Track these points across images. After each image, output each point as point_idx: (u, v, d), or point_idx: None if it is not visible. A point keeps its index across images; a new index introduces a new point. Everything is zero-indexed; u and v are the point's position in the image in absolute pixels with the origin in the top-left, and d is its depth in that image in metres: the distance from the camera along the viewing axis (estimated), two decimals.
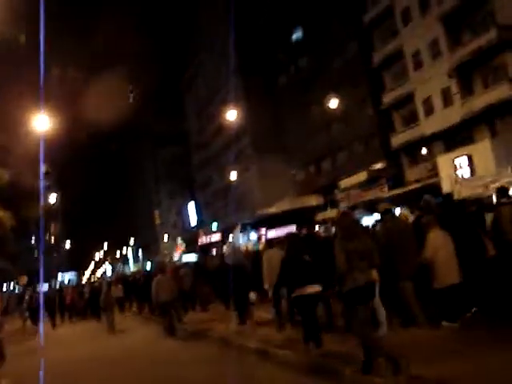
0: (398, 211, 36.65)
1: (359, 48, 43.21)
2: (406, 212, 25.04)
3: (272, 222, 50.45)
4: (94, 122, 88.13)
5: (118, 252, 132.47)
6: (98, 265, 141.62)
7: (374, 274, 7.17)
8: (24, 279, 51.53)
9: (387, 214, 11.09)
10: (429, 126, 37.15)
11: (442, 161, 32.74)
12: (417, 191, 36.38)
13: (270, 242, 14.99)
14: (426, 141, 37.83)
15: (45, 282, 70.23)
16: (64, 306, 31.17)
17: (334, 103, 47.68)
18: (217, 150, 77.11)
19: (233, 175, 64.69)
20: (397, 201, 37.73)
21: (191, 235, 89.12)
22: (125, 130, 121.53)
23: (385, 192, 40.18)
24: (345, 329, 9.56)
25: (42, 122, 26.60)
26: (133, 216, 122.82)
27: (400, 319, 9.74)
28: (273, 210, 53.64)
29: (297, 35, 53.32)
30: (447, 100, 35.64)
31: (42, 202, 33.92)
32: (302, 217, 51.46)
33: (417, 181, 37.05)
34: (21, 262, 53.90)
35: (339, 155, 48.57)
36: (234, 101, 67.60)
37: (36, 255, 65.16)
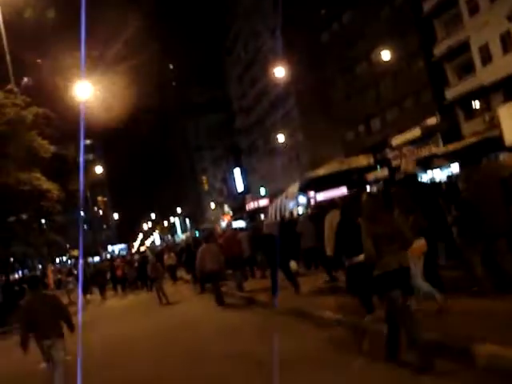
0: (454, 167, 35.13)
1: None
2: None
3: (321, 184, 49.01)
4: (135, 95, 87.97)
5: (166, 222, 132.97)
6: (147, 235, 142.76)
7: (407, 257, 6.60)
8: (76, 252, 51.79)
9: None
10: (487, 75, 34.81)
11: (504, 111, 30.58)
12: (475, 145, 34.51)
13: (333, 203, 13.56)
14: (484, 91, 35.55)
15: (95, 254, 70.84)
16: (115, 277, 31.04)
17: (381, 57, 45.84)
18: (260, 114, 75.53)
19: (279, 138, 63.37)
20: (453, 156, 35.95)
21: (238, 202, 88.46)
22: (166, 101, 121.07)
23: (440, 148, 38.25)
24: None
25: (83, 90, 26.00)
26: (178, 185, 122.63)
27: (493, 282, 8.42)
28: (321, 172, 52.16)
29: None
30: (507, 46, 33.23)
31: (81, 170, 33.27)
32: (353, 178, 50.14)
33: (475, 134, 34.95)
34: (71, 235, 54.01)
35: (389, 112, 46.53)
36: (276, 61, 66.00)
37: (86, 228, 65.55)
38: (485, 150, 34.57)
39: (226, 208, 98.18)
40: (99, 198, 61.65)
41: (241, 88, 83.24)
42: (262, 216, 58.70)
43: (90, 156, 65.52)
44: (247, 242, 18.38)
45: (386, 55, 43.93)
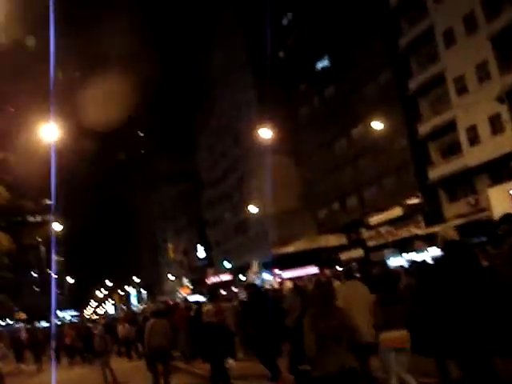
0: (432, 251, 33.39)
1: (394, 74, 40.06)
2: None
3: (289, 262, 46.99)
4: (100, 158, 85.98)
5: (121, 291, 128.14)
6: (100, 303, 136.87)
7: (351, 358, 6.05)
8: (22, 315, 47.95)
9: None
10: (473, 156, 33.70)
11: (494, 193, 29.34)
12: (461, 228, 32.95)
13: (349, 271, 11.33)
14: (469, 173, 34.36)
15: (43, 319, 66.40)
16: (61, 346, 27.83)
17: (362, 134, 44.88)
18: (230, 186, 73.76)
19: (251, 209, 61.36)
20: (434, 239, 34.31)
21: (198, 275, 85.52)
22: (132, 167, 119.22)
23: (422, 229, 36.60)
24: None
25: (51, 133, 23.62)
26: (137, 253, 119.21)
27: None
28: (290, 249, 50.20)
29: (322, 63, 50.45)
30: (496, 127, 32.31)
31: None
32: (323, 257, 48.12)
33: (458, 217, 33.46)
34: (21, 296, 50.30)
35: (367, 191, 45.06)
36: (250, 133, 64.90)
37: (36, 289, 61.52)
38: (470, 233, 33.14)
39: (185, 281, 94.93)
40: (55, 258, 58.50)
41: (211, 159, 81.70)
42: (222, 291, 56.03)
43: (49, 216, 62.05)
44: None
45: (367, 132, 43.11)
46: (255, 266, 24.94)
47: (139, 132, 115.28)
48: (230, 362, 11.61)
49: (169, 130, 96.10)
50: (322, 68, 50.53)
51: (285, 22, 57.66)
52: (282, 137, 54.71)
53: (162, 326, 13.49)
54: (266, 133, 48.78)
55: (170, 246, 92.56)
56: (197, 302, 22.71)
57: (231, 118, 70.47)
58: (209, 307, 13.50)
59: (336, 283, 10.11)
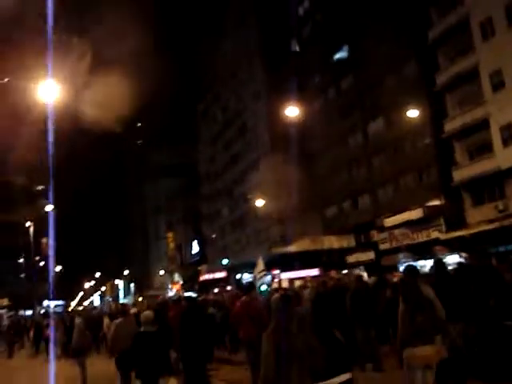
0: (453, 258, 30.84)
1: (420, 67, 37.41)
2: None
3: (289, 262, 44.40)
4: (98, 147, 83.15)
5: (109, 284, 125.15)
6: (87, 295, 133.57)
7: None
8: (5, 301, 45.35)
9: None
10: (506, 158, 31.12)
11: None
12: (487, 234, 30.48)
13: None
14: (500, 176, 31.79)
15: (29, 308, 63.50)
16: (40, 336, 26.60)
17: (379, 130, 42.40)
18: (230, 180, 71.04)
19: (250, 207, 58.66)
20: (455, 245, 31.82)
21: (191, 271, 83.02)
22: (130, 158, 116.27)
23: (442, 233, 34.03)
24: None
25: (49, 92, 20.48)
26: (129, 247, 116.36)
27: None
28: (292, 248, 47.59)
29: (340, 54, 47.78)
30: None
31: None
32: (327, 259, 45.58)
33: (489, 221, 30.90)
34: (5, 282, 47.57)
35: (382, 190, 42.40)
36: (256, 126, 62.28)
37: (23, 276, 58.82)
38: (496, 241, 30.67)
39: (177, 277, 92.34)
40: (44, 241, 55.41)
41: (212, 151, 78.88)
42: (216, 290, 53.40)
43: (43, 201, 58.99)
44: None
45: (386, 127, 40.62)
46: (261, 264, 21.74)
47: (138, 123, 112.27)
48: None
49: (169, 121, 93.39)
50: (340, 59, 47.82)
51: (301, 11, 55.00)
52: (289, 132, 52.27)
53: (131, 326, 11.47)
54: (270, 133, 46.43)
55: (169, 234, 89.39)
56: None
57: (237, 110, 67.83)
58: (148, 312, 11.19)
59: None
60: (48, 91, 17.87)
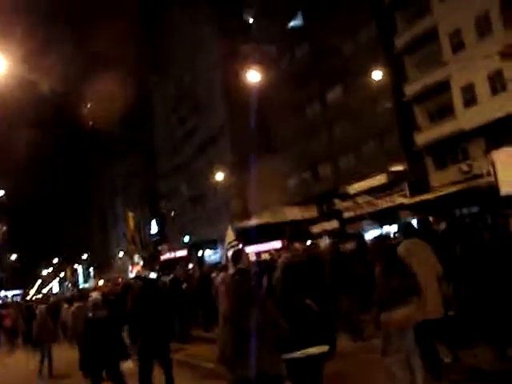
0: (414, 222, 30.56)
1: (378, 31, 36.77)
2: None
3: (252, 236, 43.65)
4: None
5: (68, 269, 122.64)
6: (46, 282, 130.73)
7: (276, 360, 5.18)
8: None
9: None
10: (468, 119, 30.82)
11: (501, 156, 26.43)
12: (452, 196, 30.27)
13: (409, 227, 8.86)
14: (463, 137, 31.52)
15: None
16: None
17: (338, 97, 41.83)
18: (187, 156, 69.64)
19: (209, 182, 57.67)
20: (420, 209, 31.51)
21: (151, 252, 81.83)
22: (83, 139, 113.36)
23: (407, 198, 33.71)
24: None
25: None
26: (86, 230, 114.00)
27: None
28: (253, 222, 46.84)
29: (295, 22, 46.76)
30: (496, 86, 29.47)
31: None
32: (291, 230, 44.99)
33: (454, 183, 30.68)
34: None
35: (344, 158, 41.88)
36: (211, 99, 60.94)
37: None
38: (461, 203, 30.53)
39: (137, 258, 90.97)
40: None
41: (167, 127, 77.09)
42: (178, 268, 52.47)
43: None
44: None
45: (345, 95, 40.06)
46: (231, 234, 19.61)
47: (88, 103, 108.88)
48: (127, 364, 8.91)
49: (122, 98, 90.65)
50: (294, 27, 46.83)
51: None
52: (245, 101, 51.14)
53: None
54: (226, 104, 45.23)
55: (130, 214, 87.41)
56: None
57: (191, 83, 66.23)
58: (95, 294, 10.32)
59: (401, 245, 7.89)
60: None
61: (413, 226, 9.16)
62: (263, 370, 4.98)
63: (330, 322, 9.72)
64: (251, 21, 56.79)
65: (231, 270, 11.39)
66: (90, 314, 8.85)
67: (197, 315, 17.33)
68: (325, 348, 5.79)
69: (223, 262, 16.04)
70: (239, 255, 10.16)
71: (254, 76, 28.17)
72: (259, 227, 43.94)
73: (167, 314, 9.55)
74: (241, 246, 18.14)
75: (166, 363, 8.78)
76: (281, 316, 5.27)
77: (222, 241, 55.80)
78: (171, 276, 18.27)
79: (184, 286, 16.76)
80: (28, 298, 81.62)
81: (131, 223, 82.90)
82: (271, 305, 5.43)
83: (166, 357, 8.83)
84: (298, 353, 5.61)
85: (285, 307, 5.66)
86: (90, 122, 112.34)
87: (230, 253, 15.86)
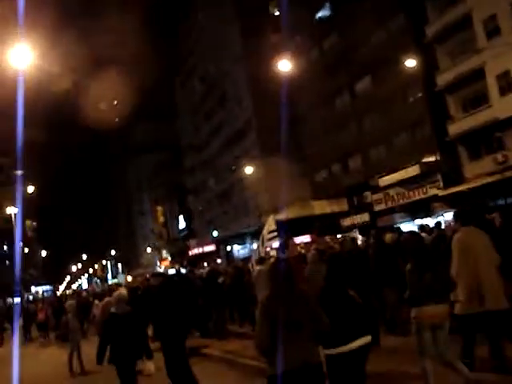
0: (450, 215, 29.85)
1: (408, 20, 35.97)
2: None
3: (281, 230, 43.13)
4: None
5: (97, 265, 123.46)
6: (75, 278, 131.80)
7: (316, 350, 5.01)
8: None
9: None
10: (504, 107, 29.94)
11: None
12: (486, 187, 29.57)
13: (467, 214, 8.42)
14: (498, 126, 30.68)
15: (17, 295, 61.84)
16: (30, 322, 26.59)
17: (367, 88, 41.18)
18: (214, 151, 69.43)
19: (238, 176, 57.40)
20: (454, 201, 30.79)
21: (179, 247, 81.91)
22: (110, 135, 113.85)
23: (441, 189, 32.97)
24: None
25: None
26: (114, 226, 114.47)
27: None
28: (282, 216, 46.40)
29: (323, 12, 46.13)
30: None
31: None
32: (321, 224, 44.51)
33: (489, 174, 29.91)
34: None
35: (374, 150, 41.18)
36: (237, 93, 60.56)
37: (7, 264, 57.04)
38: (496, 194, 29.80)
39: (165, 253, 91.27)
40: (28, 222, 53.66)
41: (194, 123, 76.96)
42: (206, 264, 52.40)
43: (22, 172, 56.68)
44: None
45: (375, 85, 39.37)
46: (272, 223, 17.52)
47: (114, 101, 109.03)
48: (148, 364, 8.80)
49: (147, 95, 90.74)
50: (322, 18, 46.19)
51: None
52: (273, 94, 50.50)
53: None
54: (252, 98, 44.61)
55: (158, 208, 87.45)
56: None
57: (216, 78, 65.94)
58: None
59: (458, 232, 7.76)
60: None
61: (470, 213, 8.70)
62: (305, 359, 4.86)
63: (373, 315, 9.34)
64: (277, 13, 56.29)
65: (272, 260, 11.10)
66: (113, 309, 8.67)
67: (232, 310, 17.01)
68: (368, 339, 5.67)
69: (255, 254, 15.37)
70: (287, 244, 9.88)
71: (282, 66, 27.75)
72: (288, 221, 43.61)
73: (191, 311, 9.45)
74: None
75: (179, 361, 8.56)
76: (321, 309, 5.14)
77: (251, 235, 55.68)
78: (207, 269, 17.97)
79: (220, 279, 16.36)
80: (58, 293, 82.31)
81: (160, 217, 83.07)
82: (310, 296, 5.29)
83: (180, 355, 8.71)
84: (342, 348, 5.50)
85: (329, 298, 5.66)
86: (116, 119, 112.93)
87: (270, 242, 15.39)
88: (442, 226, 16.34)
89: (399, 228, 21.42)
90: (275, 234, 14.70)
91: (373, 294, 10.74)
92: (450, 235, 10.33)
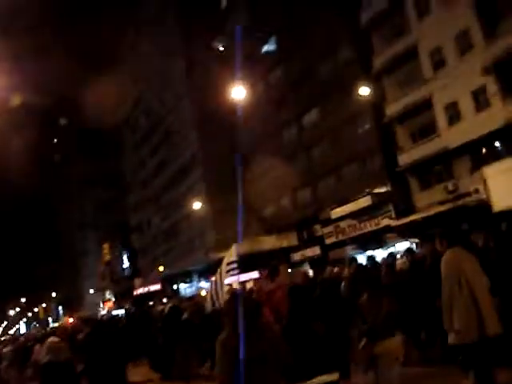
0: (404, 245, 29.63)
1: (355, 52, 36.19)
2: None
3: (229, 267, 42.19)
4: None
5: (36, 309, 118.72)
6: (13, 323, 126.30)
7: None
8: None
9: None
10: (452, 137, 30.11)
11: (492, 171, 25.70)
12: (439, 216, 29.42)
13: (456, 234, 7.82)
14: (447, 156, 30.81)
15: None
16: None
17: (315, 120, 41.19)
18: (159, 187, 68.20)
19: (183, 212, 56.31)
20: (406, 231, 30.60)
21: (124, 287, 79.53)
22: (51, 174, 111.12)
23: (393, 220, 32.73)
24: None
25: None
26: (55, 266, 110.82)
27: None
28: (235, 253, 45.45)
29: (269, 46, 46.16)
30: (481, 103, 28.88)
31: None
32: (271, 262, 43.73)
33: (440, 203, 29.86)
34: None
35: (322, 183, 40.95)
36: (182, 128, 59.83)
37: None
38: (448, 222, 29.69)
39: (108, 294, 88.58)
40: None
41: (137, 159, 75.60)
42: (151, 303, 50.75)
43: None
44: None
45: (322, 117, 39.39)
46: (234, 252, 15.20)
47: (61, 119, 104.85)
48: None
49: (90, 132, 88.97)
50: (268, 51, 46.21)
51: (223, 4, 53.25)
52: (218, 129, 49.97)
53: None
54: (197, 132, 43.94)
55: (105, 246, 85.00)
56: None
57: (160, 113, 65.13)
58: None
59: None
60: None
61: (457, 233, 8.11)
62: None
63: (341, 349, 8.66)
64: (222, 48, 56.17)
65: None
66: (47, 358, 7.90)
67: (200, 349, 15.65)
68: (334, 376, 5.51)
69: (213, 284, 13.76)
70: (276, 271, 9.27)
71: (228, 100, 27.19)
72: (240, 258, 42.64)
73: (122, 358, 9.08)
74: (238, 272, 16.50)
75: None
76: (283, 340, 4.98)
77: (198, 272, 54.32)
78: (169, 305, 16.76)
79: (184, 316, 14.97)
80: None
81: (107, 256, 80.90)
82: (274, 329, 5.22)
83: None
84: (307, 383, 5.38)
85: (291, 332, 5.54)
86: (55, 155, 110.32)
87: (228, 279, 13.90)
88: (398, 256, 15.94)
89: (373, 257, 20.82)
90: (235, 265, 13.17)
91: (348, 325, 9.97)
92: (431, 258, 9.77)
